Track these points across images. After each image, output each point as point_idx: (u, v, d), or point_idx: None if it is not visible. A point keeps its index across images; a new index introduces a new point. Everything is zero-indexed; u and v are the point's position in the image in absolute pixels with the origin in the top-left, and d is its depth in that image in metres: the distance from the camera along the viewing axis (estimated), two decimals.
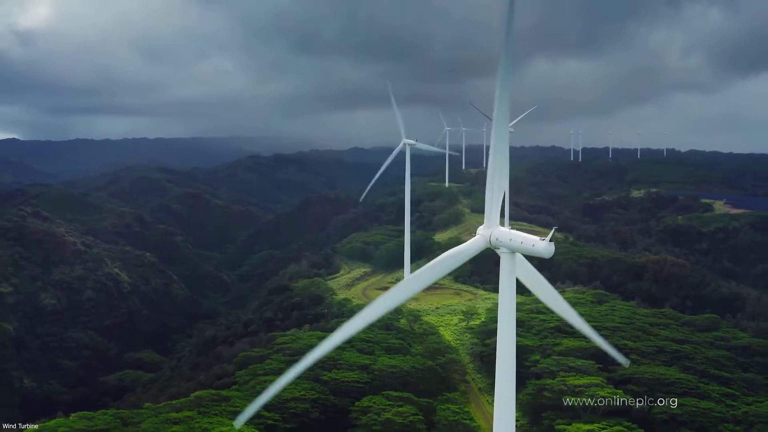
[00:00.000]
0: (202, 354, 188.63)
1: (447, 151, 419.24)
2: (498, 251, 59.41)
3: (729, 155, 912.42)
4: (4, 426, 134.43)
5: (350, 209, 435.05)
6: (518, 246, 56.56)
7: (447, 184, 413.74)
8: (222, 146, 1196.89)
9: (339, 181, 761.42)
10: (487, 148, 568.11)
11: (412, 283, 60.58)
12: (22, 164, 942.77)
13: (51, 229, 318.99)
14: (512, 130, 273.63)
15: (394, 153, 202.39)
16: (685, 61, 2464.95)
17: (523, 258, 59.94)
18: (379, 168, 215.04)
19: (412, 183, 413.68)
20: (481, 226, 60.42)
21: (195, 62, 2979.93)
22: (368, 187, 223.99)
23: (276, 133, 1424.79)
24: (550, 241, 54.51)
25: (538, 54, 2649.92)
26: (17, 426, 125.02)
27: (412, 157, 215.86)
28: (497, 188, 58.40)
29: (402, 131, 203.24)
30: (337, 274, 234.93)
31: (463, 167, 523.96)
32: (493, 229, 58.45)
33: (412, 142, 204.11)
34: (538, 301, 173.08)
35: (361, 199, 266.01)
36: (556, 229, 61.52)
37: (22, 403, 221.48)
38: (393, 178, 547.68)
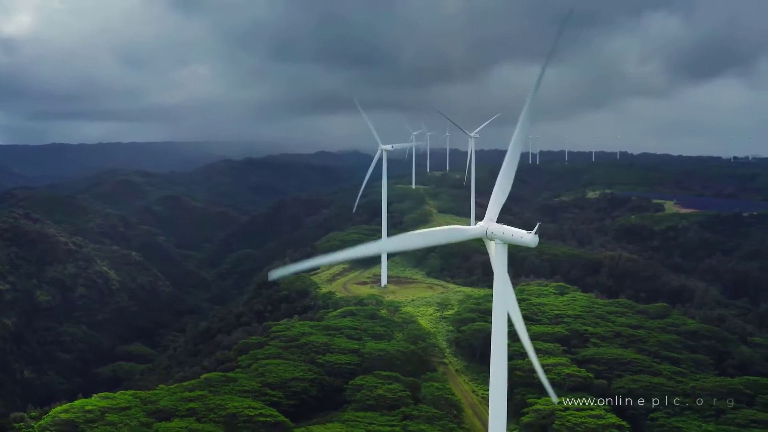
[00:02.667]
0: (201, 343, 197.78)
1: (413, 155, 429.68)
2: (492, 242, 69.12)
3: (679, 158, 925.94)
4: (12, 414, 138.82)
5: (322, 210, 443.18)
6: (509, 237, 66.64)
7: (414, 186, 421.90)
8: (195, 150, 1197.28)
9: (309, 184, 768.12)
10: (450, 151, 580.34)
11: (422, 235, 70.23)
12: (1, 168, 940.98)
13: (44, 229, 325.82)
14: (477, 136, 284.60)
15: (375, 159, 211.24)
16: (642, 67, 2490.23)
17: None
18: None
19: (379, 186, 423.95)
20: (481, 221, 70.41)
21: (173, 69, 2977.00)
22: (358, 194, 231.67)
23: (247, 137, 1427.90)
24: (535, 234, 64.96)
25: (503, 60, 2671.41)
26: (28, 412, 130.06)
27: (389, 161, 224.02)
28: (501, 195, 68.64)
29: (377, 139, 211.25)
30: (318, 270, 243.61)
31: (428, 170, 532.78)
32: (490, 224, 68.52)
33: (388, 148, 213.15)
34: None
35: (354, 210, 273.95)
36: (539, 225, 71.25)
37: (24, 393, 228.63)
38: (362, 181, 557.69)
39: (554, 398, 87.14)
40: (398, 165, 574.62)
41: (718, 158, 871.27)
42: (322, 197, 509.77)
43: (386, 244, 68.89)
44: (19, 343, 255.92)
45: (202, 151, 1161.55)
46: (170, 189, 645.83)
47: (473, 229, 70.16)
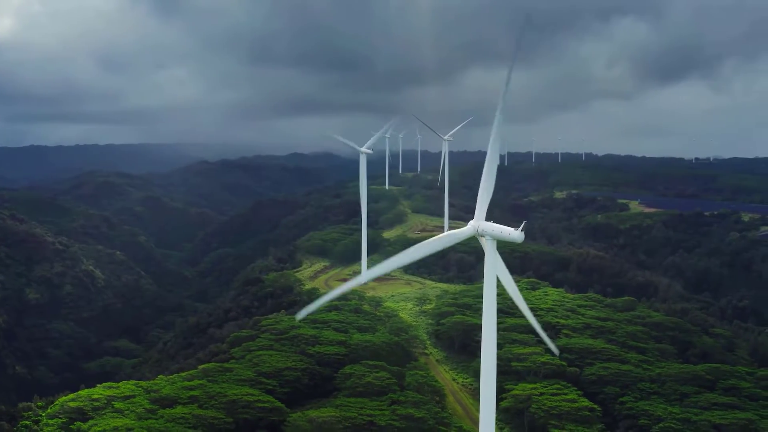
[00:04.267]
0: (192, 337, 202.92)
1: (387, 153, 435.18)
2: (482, 239, 75.09)
3: (642, 159, 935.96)
4: (20, 404, 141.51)
5: (299, 210, 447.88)
6: (498, 234, 72.55)
7: (387, 187, 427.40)
8: (170, 152, 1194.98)
9: (283, 185, 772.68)
10: (422, 153, 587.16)
11: (421, 247, 76.02)
12: None
13: (31, 229, 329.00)
14: (451, 139, 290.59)
15: (362, 161, 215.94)
16: (610, 71, 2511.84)
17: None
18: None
19: (354, 186, 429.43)
20: (472, 220, 76.44)
21: (152, 72, 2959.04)
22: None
23: (221, 139, 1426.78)
24: (521, 231, 71.23)
25: (475, 64, 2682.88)
26: (34, 402, 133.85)
27: (355, 162, 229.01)
28: (486, 195, 74.75)
29: (355, 145, 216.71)
30: (300, 268, 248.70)
31: (400, 171, 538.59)
32: (479, 222, 74.58)
33: (369, 151, 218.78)
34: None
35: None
36: (525, 224, 77.28)
37: (16, 387, 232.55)
38: (336, 182, 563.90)
39: (556, 351, 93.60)
40: (372, 166, 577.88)
41: (681, 159, 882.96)
42: (298, 198, 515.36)
43: (403, 258, 74.28)
44: (10, 339, 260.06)
45: (177, 152, 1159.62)
46: (149, 190, 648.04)
47: (466, 230, 75.79)
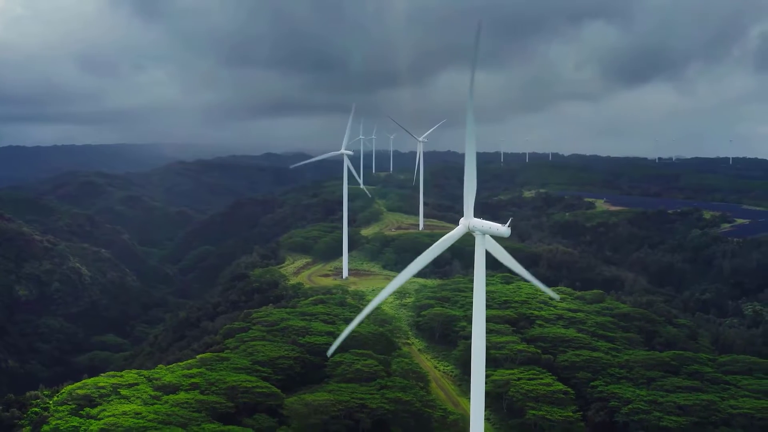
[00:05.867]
0: (183, 330, 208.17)
1: (361, 157, 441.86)
2: (474, 234, 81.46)
3: (607, 159, 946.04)
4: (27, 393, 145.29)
5: (277, 209, 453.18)
6: (488, 230, 79.02)
7: (362, 186, 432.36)
8: (146, 152, 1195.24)
9: (260, 185, 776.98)
10: (394, 153, 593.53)
11: (421, 259, 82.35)
12: None
13: (20, 228, 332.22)
14: (426, 140, 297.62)
15: (346, 163, 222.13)
16: (578, 73, 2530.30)
17: (491, 238, 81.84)
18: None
19: (331, 186, 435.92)
20: (462, 218, 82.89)
21: (131, 73, 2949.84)
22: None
23: (196, 140, 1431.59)
24: (508, 226, 77.87)
25: (448, 67, 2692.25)
26: (41, 390, 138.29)
27: (332, 163, 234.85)
28: (470, 194, 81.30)
29: (336, 150, 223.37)
30: (284, 264, 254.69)
31: (374, 171, 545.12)
32: (470, 220, 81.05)
33: (350, 152, 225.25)
34: (459, 282, 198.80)
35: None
36: (511, 220, 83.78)
37: (9, 381, 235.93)
38: (312, 182, 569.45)
39: (556, 297, 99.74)
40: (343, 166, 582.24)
41: (644, 159, 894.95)
42: (276, 197, 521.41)
43: (414, 267, 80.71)
44: (2, 335, 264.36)
45: (153, 153, 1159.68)
46: (130, 190, 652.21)
47: (459, 230, 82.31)
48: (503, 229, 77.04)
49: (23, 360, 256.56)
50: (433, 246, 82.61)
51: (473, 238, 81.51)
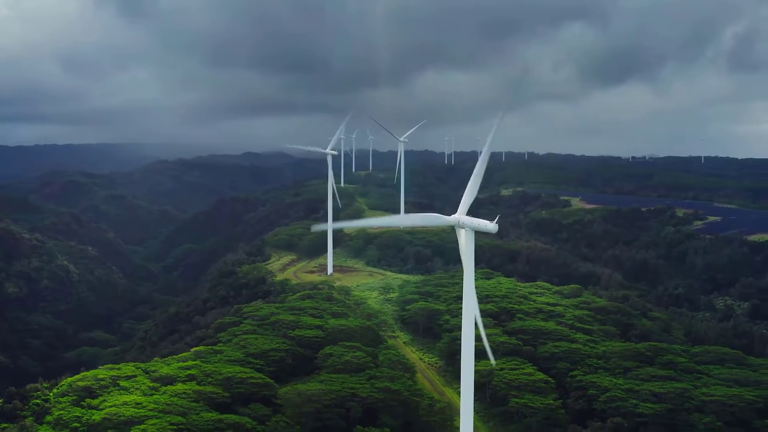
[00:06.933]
0: (173, 325, 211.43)
1: (342, 156, 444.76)
2: (462, 230, 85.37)
3: (581, 157, 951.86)
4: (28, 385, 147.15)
5: (259, 208, 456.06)
6: (476, 226, 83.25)
7: (342, 185, 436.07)
8: (128, 152, 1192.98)
9: (241, 184, 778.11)
10: (374, 152, 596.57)
11: (404, 218, 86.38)
12: None
13: (8, 227, 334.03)
14: (407, 140, 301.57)
15: (329, 163, 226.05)
16: (555, 74, 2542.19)
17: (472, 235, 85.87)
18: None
19: (313, 185, 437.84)
20: (456, 213, 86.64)
21: (114, 74, 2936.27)
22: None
23: (177, 139, 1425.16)
24: (495, 223, 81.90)
25: (428, 67, 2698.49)
26: (40, 383, 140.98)
27: (313, 162, 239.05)
28: (470, 196, 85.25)
29: (320, 149, 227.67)
30: (270, 261, 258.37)
31: (353, 170, 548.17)
32: (461, 216, 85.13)
33: (334, 152, 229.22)
34: (441, 278, 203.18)
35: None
36: (499, 217, 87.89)
37: (1, 376, 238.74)
38: (294, 181, 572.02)
39: (492, 361, 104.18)
40: (324, 165, 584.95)
41: (618, 158, 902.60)
42: (258, 196, 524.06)
43: (393, 221, 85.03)
44: None
45: (135, 152, 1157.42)
46: (114, 189, 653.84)
47: (449, 219, 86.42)
48: (491, 226, 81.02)
49: (14, 355, 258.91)
50: (423, 215, 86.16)
51: (455, 237, 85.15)
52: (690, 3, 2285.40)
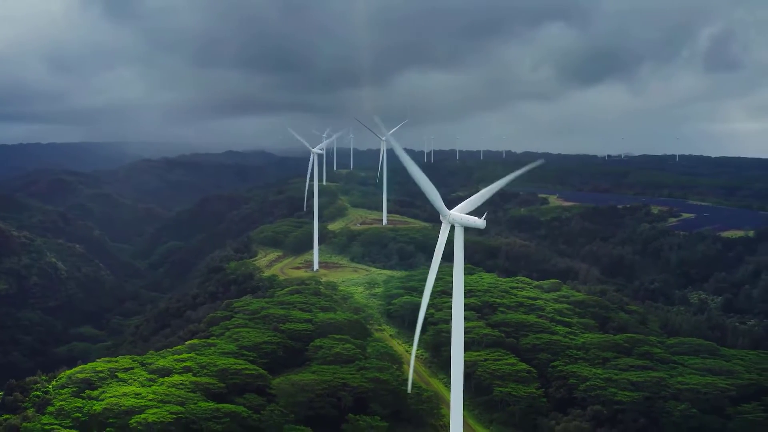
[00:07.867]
0: (164, 320, 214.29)
1: (324, 154, 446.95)
2: (447, 226, 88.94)
3: (558, 156, 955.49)
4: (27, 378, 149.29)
5: (243, 206, 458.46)
6: (467, 222, 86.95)
7: (324, 183, 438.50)
8: (111, 150, 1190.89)
9: (224, 182, 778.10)
10: (354, 151, 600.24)
11: (434, 263, 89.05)
12: None
13: None
14: (390, 138, 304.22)
15: (311, 163, 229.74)
16: (535, 73, 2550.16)
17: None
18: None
19: (296, 183, 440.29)
20: (443, 216, 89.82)
21: (99, 73, 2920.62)
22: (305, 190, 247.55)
23: (160, 138, 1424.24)
24: (484, 219, 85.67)
25: (409, 67, 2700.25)
26: (39, 376, 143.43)
27: (295, 161, 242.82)
28: (435, 197, 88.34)
29: (308, 145, 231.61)
30: (256, 258, 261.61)
31: (335, 168, 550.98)
32: (449, 213, 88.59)
33: (319, 151, 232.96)
34: (424, 273, 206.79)
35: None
36: (487, 214, 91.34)
37: None
38: (277, 179, 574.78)
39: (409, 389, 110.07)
40: (305, 163, 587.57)
41: (594, 157, 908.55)
42: (242, 194, 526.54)
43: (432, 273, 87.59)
44: None
45: (118, 151, 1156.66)
46: (99, 187, 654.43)
47: (444, 228, 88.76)
48: (480, 222, 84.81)
49: (5, 351, 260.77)
50: (436, 252, 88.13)
51: (437, 234, 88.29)
52: (667, 5, 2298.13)
